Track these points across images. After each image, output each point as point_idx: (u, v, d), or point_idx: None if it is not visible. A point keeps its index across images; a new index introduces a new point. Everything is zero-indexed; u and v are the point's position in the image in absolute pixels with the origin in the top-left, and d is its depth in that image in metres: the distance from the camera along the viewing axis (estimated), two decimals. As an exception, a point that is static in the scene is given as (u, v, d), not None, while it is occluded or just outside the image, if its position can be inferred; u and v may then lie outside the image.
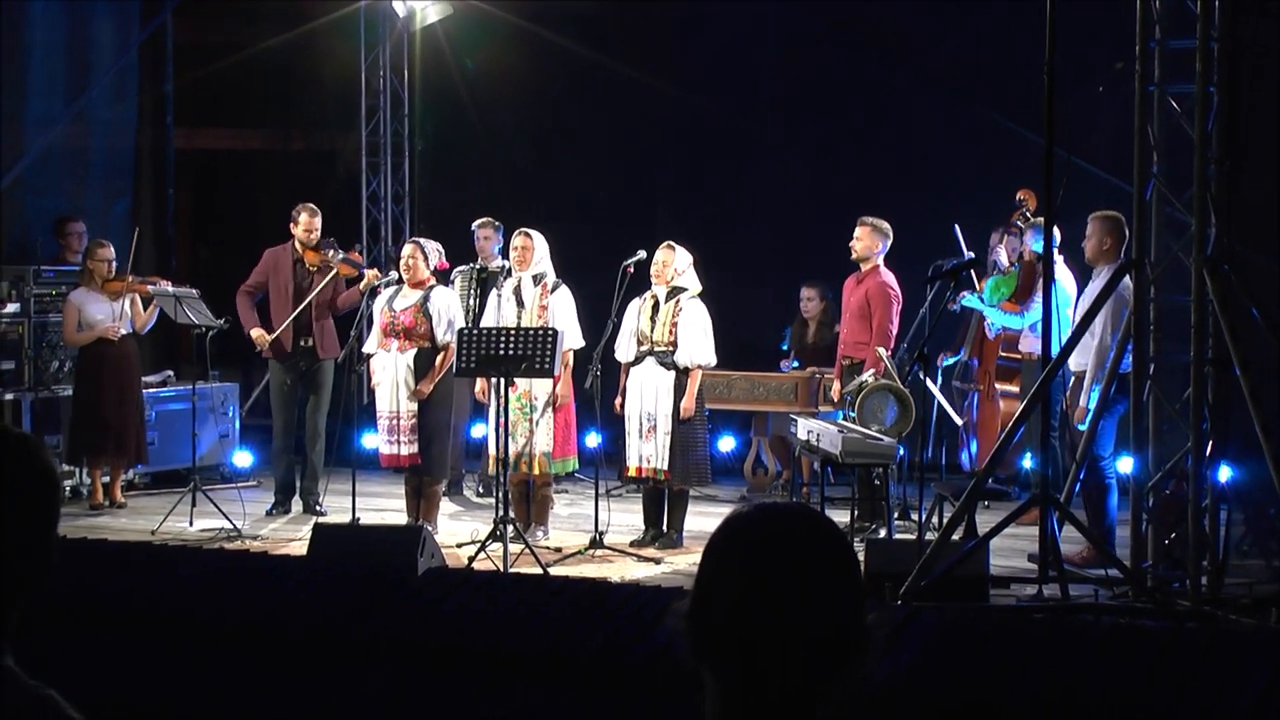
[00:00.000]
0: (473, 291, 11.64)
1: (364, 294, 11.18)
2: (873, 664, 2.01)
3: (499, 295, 10.26)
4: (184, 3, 14.71)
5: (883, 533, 9.88)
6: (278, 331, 11.14)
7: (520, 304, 10.18)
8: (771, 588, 1.95)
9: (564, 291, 10.23)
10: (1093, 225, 9.41)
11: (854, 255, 10.56)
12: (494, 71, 14.95)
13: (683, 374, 10.02)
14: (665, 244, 10.17)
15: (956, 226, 10.98)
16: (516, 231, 10.35)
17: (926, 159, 13.23)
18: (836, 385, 10.77)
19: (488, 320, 10.27)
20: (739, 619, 1.96)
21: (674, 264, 10.07)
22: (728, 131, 14.27)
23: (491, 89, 14.98)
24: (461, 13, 14.77)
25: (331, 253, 11.25)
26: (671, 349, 9.99)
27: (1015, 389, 11.07)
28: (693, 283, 10.13)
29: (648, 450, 10.02)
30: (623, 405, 10.19)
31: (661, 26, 14.39)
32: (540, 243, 10.27)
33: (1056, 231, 8.78)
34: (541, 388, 10.04)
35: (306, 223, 11.33)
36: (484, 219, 12.04)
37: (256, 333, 11.22)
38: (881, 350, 10.18)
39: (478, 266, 11.85)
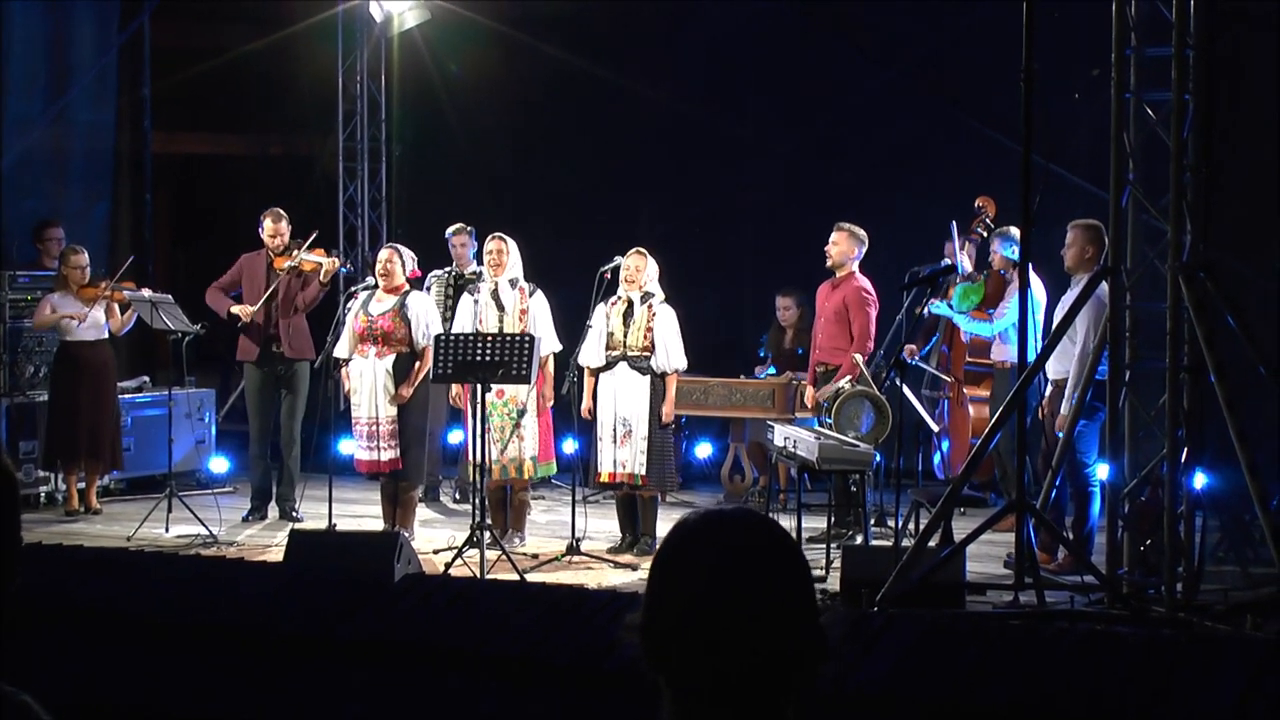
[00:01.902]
0: (448, 297, 11.66)
1: (324, 285, 11.20)
2: (842, 665, 2.02)
3: (475, 300, 10.27)
4: (162, 6, 14.67)
5: (859, 539, 9.89)
6: (258, 305, 11.09)
7: (500, 308, 10.19)
8: (718, 595, 1.95)
9: (540, 296, 10.27)
10: (1073, 233, 9.43)
11: (829, 261, 10.60)
12: (472, 76, 14.95)
13: (659, 379, 10.02)
14: (636, 250, 10.17)
15: (953, 224, 10.99)
16: (490, 236, 10.35)
17: (906, 165, 13.24)
18: (810, 391, 10.80)
19: (461, 324, 10.27)
20: (688, 628, 1.95)
21: (646, 270, 10.09)
22: (708, 136, 14.27)
23: (469, 93, 14.97)
24: (439, 17, 14.75)
25: (295, 251, 11.23)
26: (647, 354, 9.98)
27: (984, 394, 11.10)
28: (659, 289, 10.16)
29: (623, 455, 10.01)
30: (592, 410, 10.18)
31: (641, 31, 14.40)
32: (514, 247, 10.29)
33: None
34: (527, 392, 10.04)
35: (271, 228, 11.32)
36: (458, 225, 12.07)
37: (238, 308, 11.17)
38: (857, 356, 10.20)
39: (454, 272, 11.87)
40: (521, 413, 10.09)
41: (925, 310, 10.99)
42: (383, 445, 9.98)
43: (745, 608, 1.94)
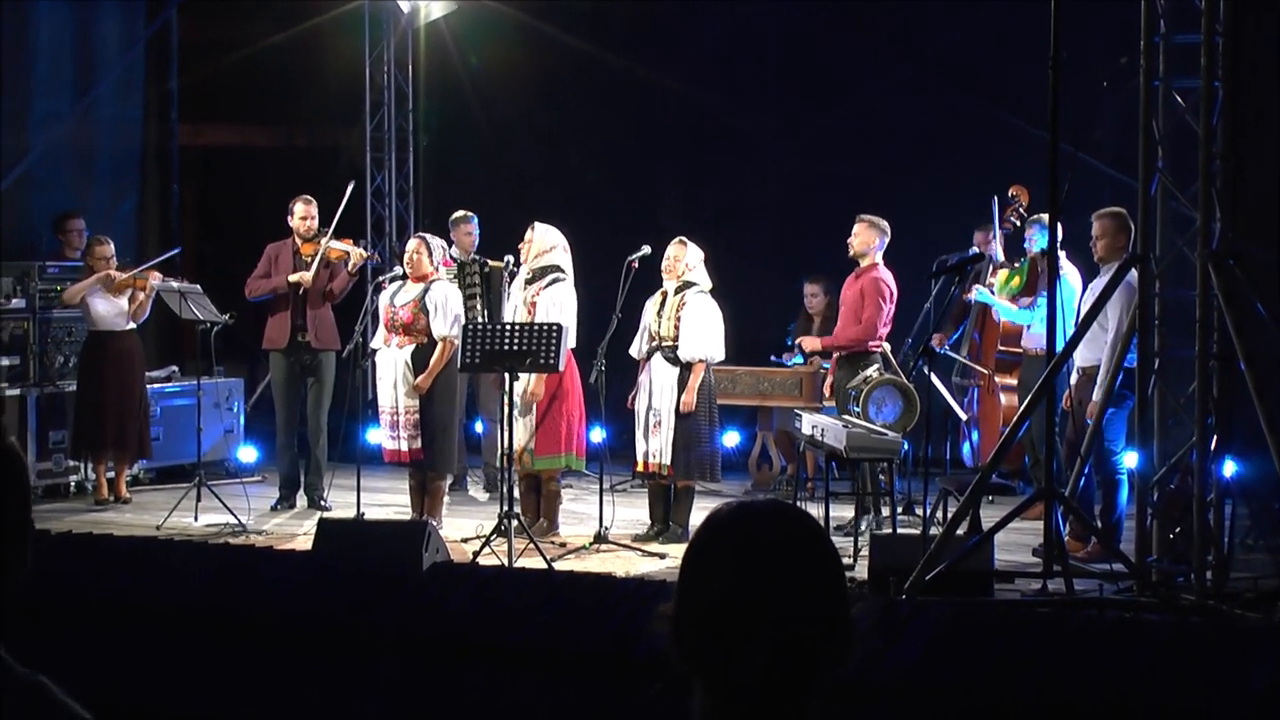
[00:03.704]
0: (469, 285, 11.71)
1: (353, 275, 11.21)
2: (870, 653, 2.02)
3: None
4: (188, 0, 14.72)
5: (878, 525, 9.88)
6: (312, 269, 11.09)
7: (515, 299, 10.27)
8: (748, 587, 1.95)
9: (559, 289, 10.12)
10: (1101, 224, 9.38)
11: (851, 251, 10.57)
12: (498, 67, 14.96)
13: (686, 369, 10.01)
14: (677, 239, 10.17)
15: (995, 200, 11.03)
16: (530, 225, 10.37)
17: (932, 154, 13.22)
18: (829, 380, 10.79)
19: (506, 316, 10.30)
20: (718, 620, 1.95)
21: (685, 259, 10.07)
22: (732, 126, 14.27)
23: (495, 84, 14.99)
24: (465, 8, 14.78)
25: (322, 240, 11.24)
26: (676, 344, 9.98)
27: (1014, 382, 11.08)
28: (703, 279, 10.14)
29: (653, 445, 10.01)
30: (633, 401, 10.19)
31: (665, 22, 14.39)
32: (543, 236, 10.22)
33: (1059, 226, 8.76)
34: (518, 386, 9.93)
35: (302, 212, 11.32)
36: (461, 213, 12.16)
37: (295, 275, 11.15)
38: (886, 346, 10.20)
39: (479, 260, 11.93)
40: (513, 404, 10.01)
41: (970, 297, 11.00)
42: (405, 435, 9.98)
43: (775, 600, 1.94)
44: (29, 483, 2.17)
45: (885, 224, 10.54)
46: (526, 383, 9.94)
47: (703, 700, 1.99)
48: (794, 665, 1.94)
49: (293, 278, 11.12)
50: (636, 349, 10.21)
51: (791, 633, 1.94)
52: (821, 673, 1.97)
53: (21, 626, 2.11)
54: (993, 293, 10.98)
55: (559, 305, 10.06)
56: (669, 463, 9.97)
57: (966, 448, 11.60)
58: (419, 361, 9.99)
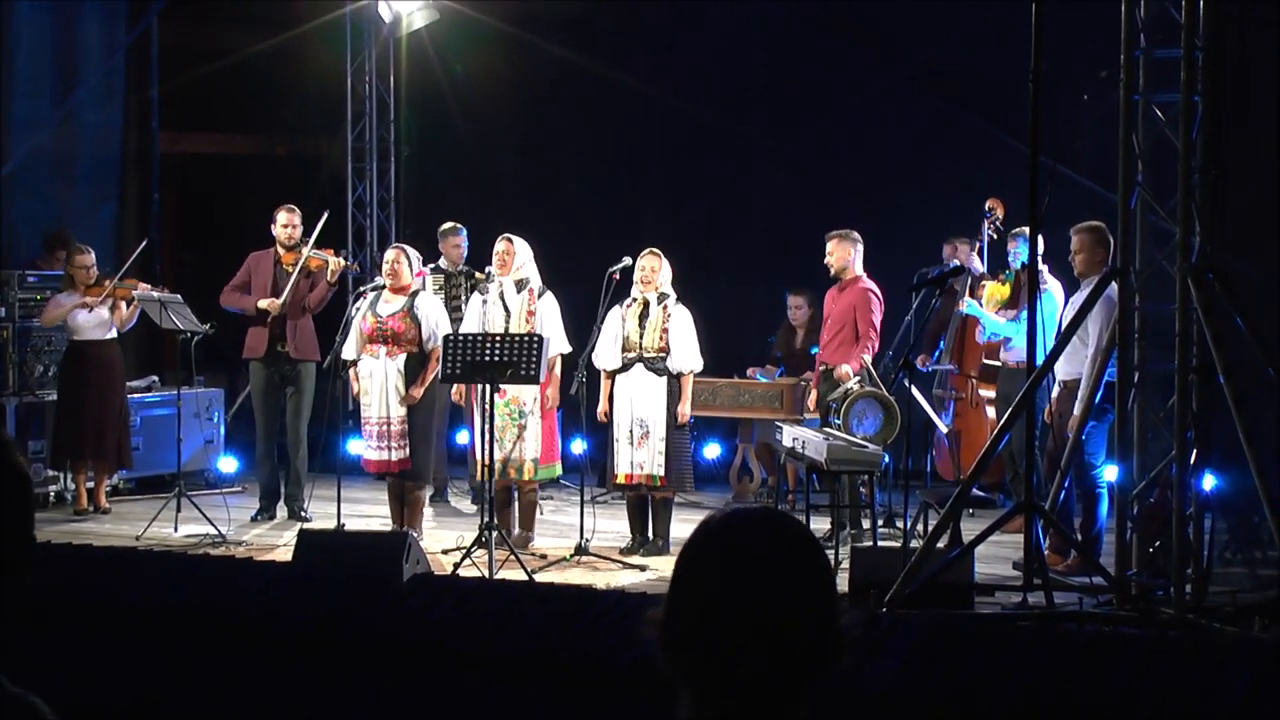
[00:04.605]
0: (453, 297, 11.70)
1: (332, 284, 11.18)
2: (851, 666, 2.02)
3: (483, 301, 10.25)
4: (170, 6, 14.69)
5: (849, 536, 9.89)
6: (284, 296, 11.06)
7: (507, 310, 10.18)
8: (739, 593, 1.95)
9: (550, 297, 10.19)
10: (1080, 239, 9.39)
11: (832, 271, 10.56)
12: (479, 76, 14.96)
13: (675, 379, 10.01)
14: (650, 250, 10.15)
15: (987, 206, 11.14)
16: (499, 237, 10.32)
17: (913, 166, 13.24)
18: (814, 394, 10.78)
19: (468, 325, 10.23)
20: (709, 626, 1.95)
21: (662, 270, 10.08)
22: (715, 137, 14.27)
23: (477, 94, 14.99)
24: (447, 18, 14.77)
25: (303, 248, 11.22)
26: (663, 355, 9.97)
27: (993, 394, 11.11)
28: (673, 291, 10.15)
29: (640, 457, 9.99)
30: (609, 413, 10.15)
31: (648, 31, 14.41)
32: (522, 247, 10.23)
33: (1040, 240, 8.78)
34: (530, 393, 10.01)
35: (285, 220, 11.29)
36: (449, 225, 12.15)
37: (265, 301, 11.13)
38: (866, 358, 10.19)
39: (467, 271, 11.93)
40: (523, 414, 10.06)
41: (961, 309, 11.01)
42: (393, 445, 9.97)
43: (766, 607, 1.95)
44: (33, 498, 2.17)
45: (856, 234, 10.53)
46: (541, 392, 9.93)
47: (689, 707, 1.99)
48: (785, 673, 1.95)
49: (262, 304, 11.10)
50: (608, 360, 10.16)
51: (783, 641, 1.94)
52: (813, 678, 1.97)
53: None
54: (981, 305, 11.00)
55: (553, 316, 10.12)
56: (661, 474, 9.96)
57: (939, 460, 11.62)
58: (411, 371, 9.98)
